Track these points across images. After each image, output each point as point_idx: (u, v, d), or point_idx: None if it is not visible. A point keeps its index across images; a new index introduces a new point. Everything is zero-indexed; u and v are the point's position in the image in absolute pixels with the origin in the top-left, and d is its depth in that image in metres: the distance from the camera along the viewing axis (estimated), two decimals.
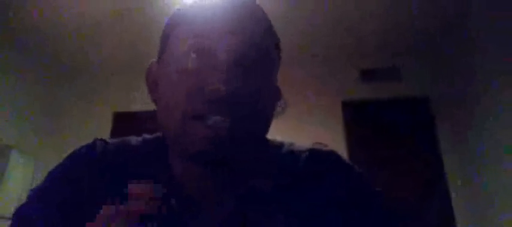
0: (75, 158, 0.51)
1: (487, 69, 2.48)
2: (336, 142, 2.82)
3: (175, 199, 0.47)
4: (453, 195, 2.72)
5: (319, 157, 0.51)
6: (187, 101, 0.41)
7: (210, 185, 0.47)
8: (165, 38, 0.49)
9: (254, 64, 0.43)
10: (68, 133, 3.17)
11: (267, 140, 0.54)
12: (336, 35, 2.95)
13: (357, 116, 3.04)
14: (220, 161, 0.43)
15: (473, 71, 2.64)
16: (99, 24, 2.77)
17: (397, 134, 2.95)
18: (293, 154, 0.52)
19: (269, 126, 0.48)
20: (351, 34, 2.94)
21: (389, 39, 3.00)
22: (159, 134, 0.55)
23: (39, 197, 0.48)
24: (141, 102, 3.17)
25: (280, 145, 0.54)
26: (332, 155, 0.53)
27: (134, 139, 0.55)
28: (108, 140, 0.54)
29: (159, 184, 0.47)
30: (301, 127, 2.94)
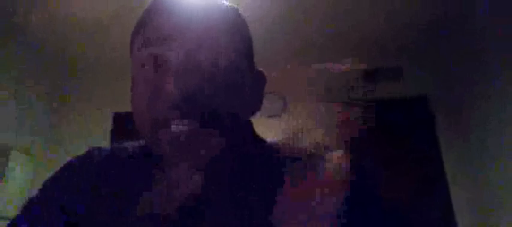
0: (68, 169, 0.51)
1: (487, 69, 2.48)
2: (336, 141, 2.82)
3: (175, 200, 0.47)
4: (453, 195, 2.72)
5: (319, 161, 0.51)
6: (148, 111, 0.42)
7: (205, 188, 0.47)
8: (130, 48, 0.49)
9: (210, 63, 0.42)
10: (68, 133, 3.18)
11: (264, 141, 0.54)
12: (336, 34, 2.95)
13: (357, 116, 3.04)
14: (198, 164, 0.43)
15: (474, 70, 2.64)
16: (100, 24, 2.77)
17: (398, 134, 2.94)
18: (293, 158, 0.51)
19: (248, 117, 0.48)
20: (351, 33, 2.94)
21: (390, 39, 3.00)
22: None
23: (33, 210, 0.47)
24: None
25: (278, 147, 0.53)
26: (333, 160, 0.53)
27: (130, 144, 0.54)
28: (102, 148, 0.54)
29: (155, 187, 0.47)
30: (301, 126, 2.94)
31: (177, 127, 0.40)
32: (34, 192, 0.49)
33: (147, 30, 0.45)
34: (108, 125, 3.22)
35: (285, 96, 3.00)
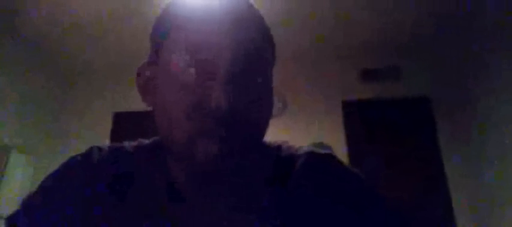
0: (69, 167, 0.50)
1: (487, 68, 2.48)
2: (336, 141, 2.82)
3: (174, 203, 0.47)
4: (453, 195, 2.72)
5: (316, 160, 0.51)
6: (189, 116, 0.41)
7: (210, 190, 0.47)
8: (158, 42, 0.47)
9: (254, 74, 0.43)
10: (68, 133, 3.18)
11: (265, 143, 0.54)
12: (336, 34, 2.95)
13: (357, 116, 3.04)
14: (222, 172, 0.44)
15: (474, 70, 2.64)
16: (100, 24, 2.78)
17: (398, 134, 2.95)
18: (291, 158, 0.51)
19: (267, 128, 0.48)
20: (351, 34, 2.94)
21: (390, 39, 3.00)
22: (155, 138, 0.54)
23: (32, 206, 0.47)
24: (141, 102, 3.17)
25: (278, 148, 0.54)
26: (329, 158, 0.52)
27: (128, 145, 0.54)
28: (102, 147, 0.53)
29: (156, 188, 0.47)
30: (301, 126, 2.94)
31: (219, 139, 0.40)
32: (35, 189, 0.49)
33: (190, 31, 0.43)
34: (108, 125, 3.22)
35: (285, 97, 3.00)
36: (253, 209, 0.46)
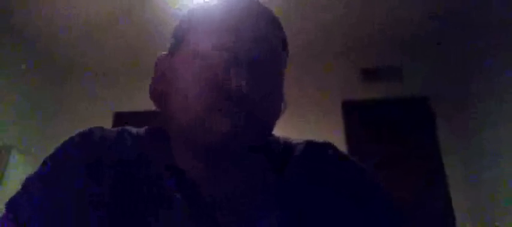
0: (70, 146, 0.51)
1: (487, 69, 2.48)
2: (336, 141, 2.81)
3: (179, 189, 0.47)
4: (453, 195, 2.72)
5: (314, 148, 0.53)
6: (208, 95, 0.43)
7: (214, 175, 0.47)
8: (183, 32, 0.50)
9: (269, 69, 0.46)
10: (68, 133, 3.17)
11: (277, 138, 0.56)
12: (337, 34, 2.95)
13: (357, 116, 3.04)
14: (231, 154, 0.45)
15: (475, 67, 2.64)
16: (100, 24, 2.78)
17: (398, 134, 2.94)
18: (289, 147, 0.53)
19: (275, 123, 0.50)
20: (351, 33, 2.94)
21: (390, 39, 3.00)
22: (158, 125, 0.56)
23: (33, 186, 0.48)
24: (141, 102, 3.17)
25: (276, 140, 0.55)
26: (327, 147, 0.54)
27: (134, 128, 0.57)
28: (105, 128, 0.54)
29: (161, 172, 0.48)
30: (301, 126, 2.94)
31: (234, 116, 0.42)
32: (34, 173, 0.49)
33: (216, 22, 0.47)
34: (108, 125, 3.22)
35: (284, 96, 3.00)
36: (255, 198, 0.47)
